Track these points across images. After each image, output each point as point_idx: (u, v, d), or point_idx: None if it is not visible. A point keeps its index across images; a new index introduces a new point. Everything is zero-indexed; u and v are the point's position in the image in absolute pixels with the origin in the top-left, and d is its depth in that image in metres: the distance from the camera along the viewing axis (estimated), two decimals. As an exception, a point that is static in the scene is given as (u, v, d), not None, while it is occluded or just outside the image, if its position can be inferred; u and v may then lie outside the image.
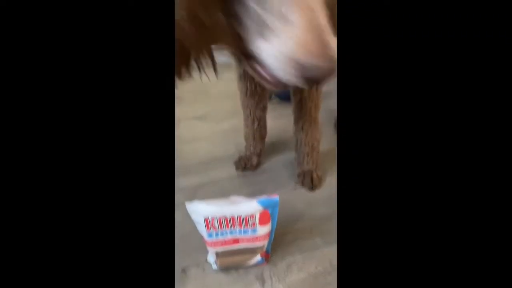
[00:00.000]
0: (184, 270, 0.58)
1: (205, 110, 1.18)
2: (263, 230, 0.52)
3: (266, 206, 0.51)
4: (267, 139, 0.86)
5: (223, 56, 0.40)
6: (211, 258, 0.56)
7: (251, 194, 0.57)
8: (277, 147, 0.93)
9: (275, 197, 0.51)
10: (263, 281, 0.55)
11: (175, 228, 0.62)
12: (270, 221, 0.52)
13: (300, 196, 0.74)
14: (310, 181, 0.75)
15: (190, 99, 1.26)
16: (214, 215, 0.50)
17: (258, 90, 0.74)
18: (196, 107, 1.20)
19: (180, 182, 0.81)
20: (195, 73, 0.37)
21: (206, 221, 0.51)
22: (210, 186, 0.80)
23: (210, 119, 1.12)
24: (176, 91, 0.32)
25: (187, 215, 0.52)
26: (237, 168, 0.84)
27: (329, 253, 0.60)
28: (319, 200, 0.72)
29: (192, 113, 1.16)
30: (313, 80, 0.35)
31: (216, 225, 0.51)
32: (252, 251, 0.55)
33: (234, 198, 0.54)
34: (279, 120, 1.03)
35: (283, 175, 0.81)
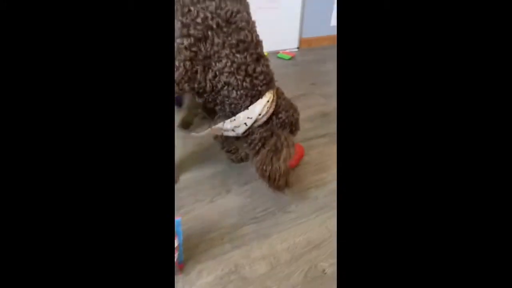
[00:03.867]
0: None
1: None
2: (171, 246, 0.62)
3: (171, 225, 0.60)
4: (184, 158, 0.94)
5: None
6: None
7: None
8: (196, 164, 1.02)
9: (178, 218, 0.61)
10: (176, 289, 0.64)
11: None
12: (177, 237, 0.62)
13: (215, 208, 0.85)
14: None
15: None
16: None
17: None
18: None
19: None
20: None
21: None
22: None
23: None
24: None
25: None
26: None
27: (234, 256, 0.71)
28: (232, 210, 0.84)
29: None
30: None
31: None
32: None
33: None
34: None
35: (201, 190, 0.91)
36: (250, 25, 0.67)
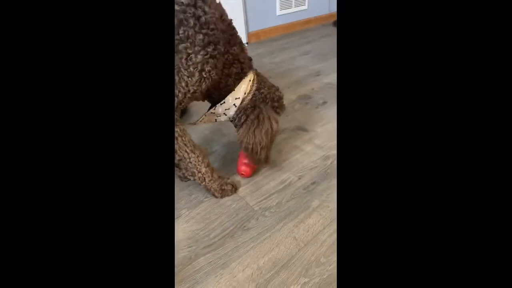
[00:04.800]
0: None
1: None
2: None
3: None
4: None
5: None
6: None
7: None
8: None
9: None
10: None
11: None
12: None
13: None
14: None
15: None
16: None
17: None
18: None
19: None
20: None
21: None
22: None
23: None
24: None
25: None
26: None
27: None
28: (180, 242, 0.70)
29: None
30: None
31: None
32: None
33: None
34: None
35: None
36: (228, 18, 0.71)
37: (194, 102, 0.94)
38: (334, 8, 2.78)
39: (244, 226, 0.72)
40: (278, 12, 2.36)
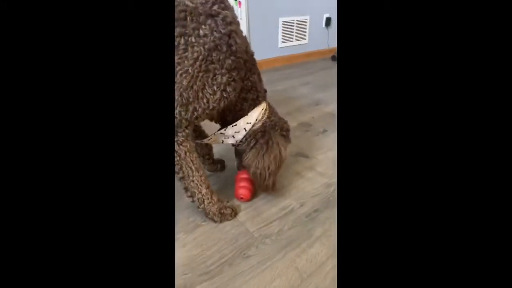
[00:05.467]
0: None
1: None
2: None
3: None
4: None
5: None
6: None
7: None
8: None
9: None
10: None
11: None
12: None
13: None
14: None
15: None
16: None
17: None
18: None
19: None
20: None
21: None
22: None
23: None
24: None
25: None
26: None
27: None
28: (176, 269, 0.66)
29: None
30: None
31: None
32: None
33: None
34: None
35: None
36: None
37: (204, 123, 0.95)
38: (332, 44, 2.93)
39: (244, 254, 0.69)
40: (280, 44, 2.48)
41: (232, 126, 0.77)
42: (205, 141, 0.84)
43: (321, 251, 0.69)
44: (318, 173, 1.00)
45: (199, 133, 0.92)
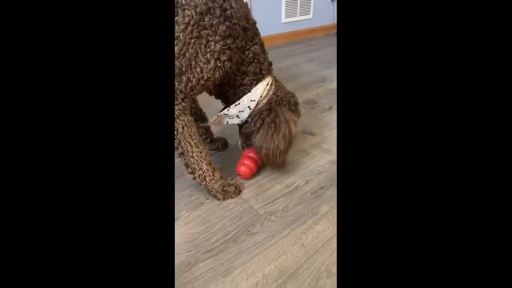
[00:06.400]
0: None
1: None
2: None
3: None
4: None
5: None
6: None
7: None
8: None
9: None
10: None
11: None
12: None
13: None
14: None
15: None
16: None
17: None
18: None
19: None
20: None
21: None
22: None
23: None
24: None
25: None
26: None
27: None
28: (179, 246, 0.65)
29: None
30: None
31: None
32: None
33: None
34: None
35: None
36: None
37: (207, 105, 0.91)
38: (338, 19, 2.80)
39: (248, 231, 0.67)
40: (283, 20, 2.37)
41: (235, 105, 0.73)
42: (209, 123, 0.81)
43: (328, 228, 0.67)
44: (324, 150, 0.97)
45: (201, 117, 0.89)
